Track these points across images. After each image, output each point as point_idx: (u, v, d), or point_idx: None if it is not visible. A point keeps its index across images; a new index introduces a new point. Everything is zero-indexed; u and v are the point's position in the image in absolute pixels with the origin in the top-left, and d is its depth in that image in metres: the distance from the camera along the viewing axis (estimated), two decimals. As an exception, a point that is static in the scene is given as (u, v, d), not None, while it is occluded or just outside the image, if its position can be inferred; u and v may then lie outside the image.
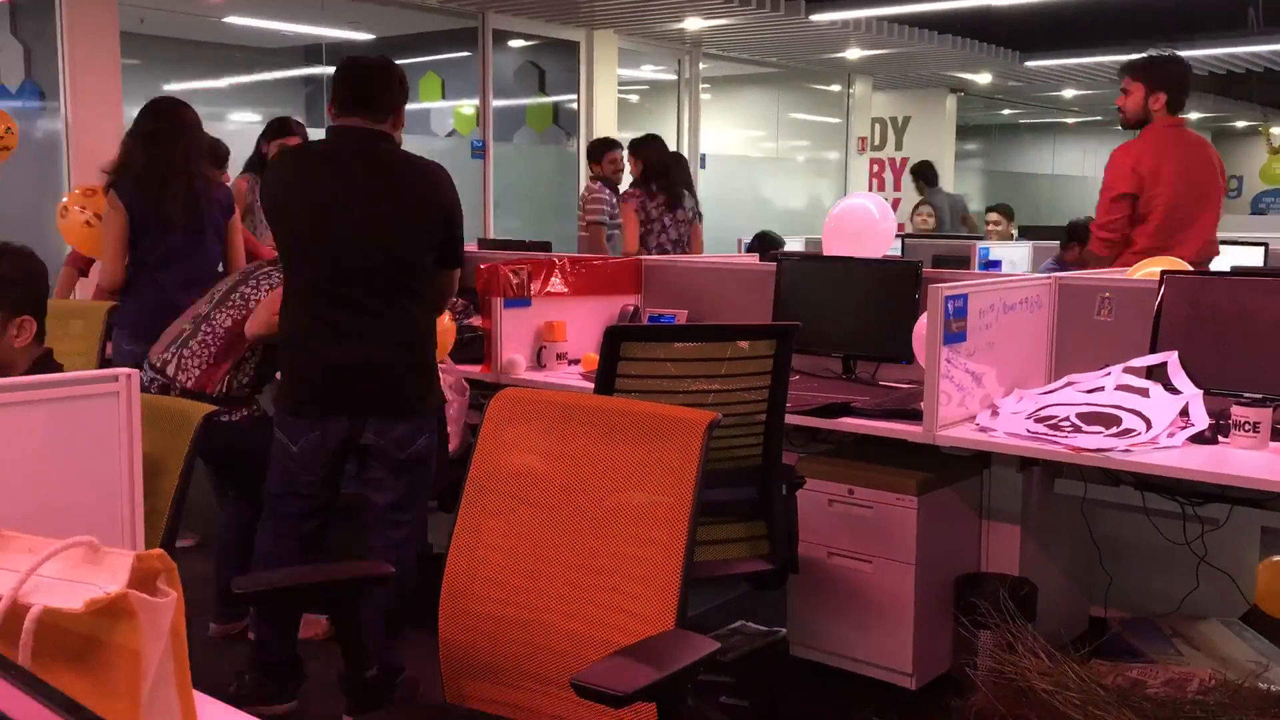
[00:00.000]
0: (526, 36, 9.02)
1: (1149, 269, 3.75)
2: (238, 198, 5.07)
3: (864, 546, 3.18)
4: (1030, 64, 10.86)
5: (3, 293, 2.38)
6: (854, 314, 3.86)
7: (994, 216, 8.16)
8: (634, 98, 10.85)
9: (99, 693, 1.02)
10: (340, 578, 1.89)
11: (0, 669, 0.68)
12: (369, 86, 3.04)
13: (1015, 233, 8.15)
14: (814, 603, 3.28)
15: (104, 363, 3.60)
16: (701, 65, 10.08)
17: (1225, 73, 11.94)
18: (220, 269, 4.22)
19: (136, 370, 1.56)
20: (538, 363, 4.11)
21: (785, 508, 2.94)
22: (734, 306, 4.25)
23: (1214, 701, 2.64)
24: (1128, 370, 3.18)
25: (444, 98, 9.48)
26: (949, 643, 3.22)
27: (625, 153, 6.80)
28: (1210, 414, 2.96)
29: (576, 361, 4.15)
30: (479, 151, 8.49)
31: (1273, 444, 2.84)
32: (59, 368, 2.47)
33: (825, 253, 4.26)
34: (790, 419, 3.02)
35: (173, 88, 9.10)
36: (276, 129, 5.20)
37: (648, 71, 10.65)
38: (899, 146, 12.72)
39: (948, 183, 12.43)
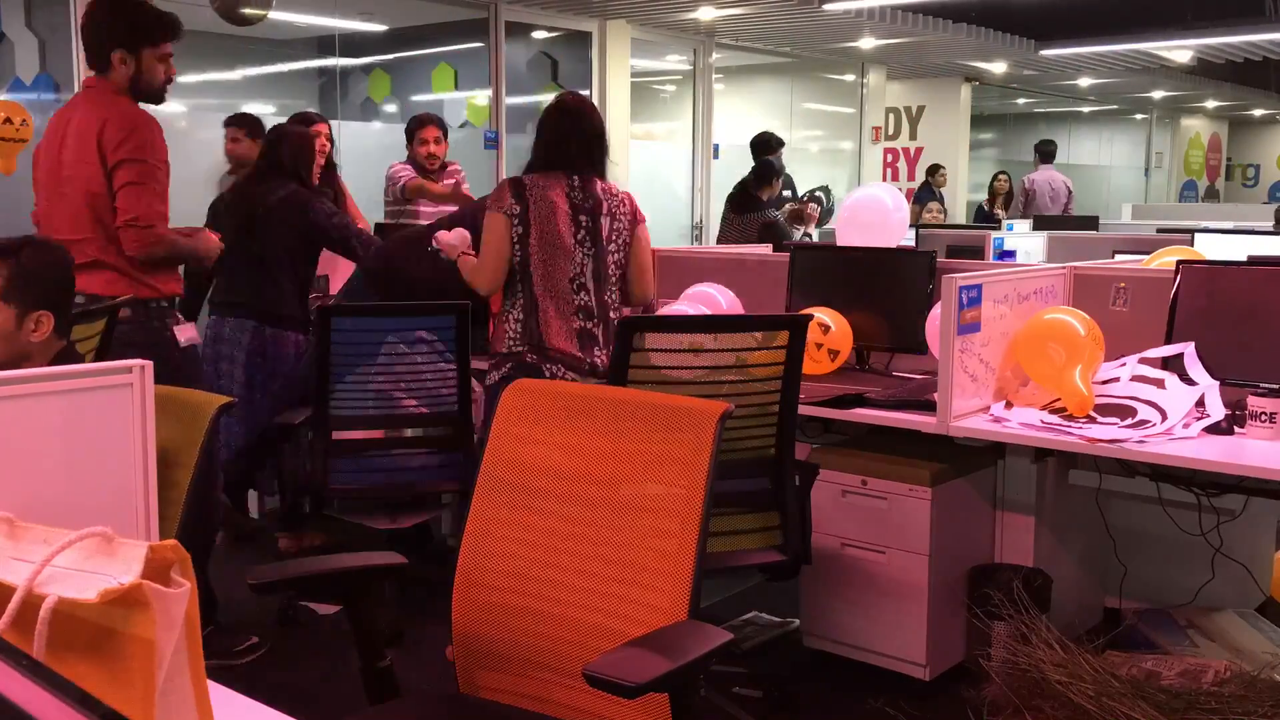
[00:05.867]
0: (539, 28, 9.00)
1: (1165, 259, 3.73)
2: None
3: (877, 537, 3.17)
4: (1046, 53, 10.78)
5: (21, 286, 2.39)
6: (867, 305, 3.85)
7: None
8: (647, 88, 10.82)
9: (114, 683, 1.02)
10: (352, 567, 1.89)
11: (13, 660, 0.68)
12: None
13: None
14: (827, 594, 3.28)
15: None
16: (715, 55, 10.04)
17: (1242, 60, 11.85)
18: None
19: (149, 361, 1.56)
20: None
21: (798, 499, 2.94)
22: (747, 297, 4.24)
23: (1229, 693, 2.63)
24: (1143, 361, 3.16)
25: (457, 89, 9.47)
26: (962, 634, 3.21)
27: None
28: (1226, 404, 2.95)
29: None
30: (492, 142, 8.47)
31: (1289, 435, 2.82)
32: (80, 360, 2.48)
33: (839, 243, 4.25)
34: (803, 410, 3.02)
35: (185, 79, 9.10)
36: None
37: (661, 62, 10.62)
38: (913, 136, 12.68)
39: (961, 173, 12.39)
